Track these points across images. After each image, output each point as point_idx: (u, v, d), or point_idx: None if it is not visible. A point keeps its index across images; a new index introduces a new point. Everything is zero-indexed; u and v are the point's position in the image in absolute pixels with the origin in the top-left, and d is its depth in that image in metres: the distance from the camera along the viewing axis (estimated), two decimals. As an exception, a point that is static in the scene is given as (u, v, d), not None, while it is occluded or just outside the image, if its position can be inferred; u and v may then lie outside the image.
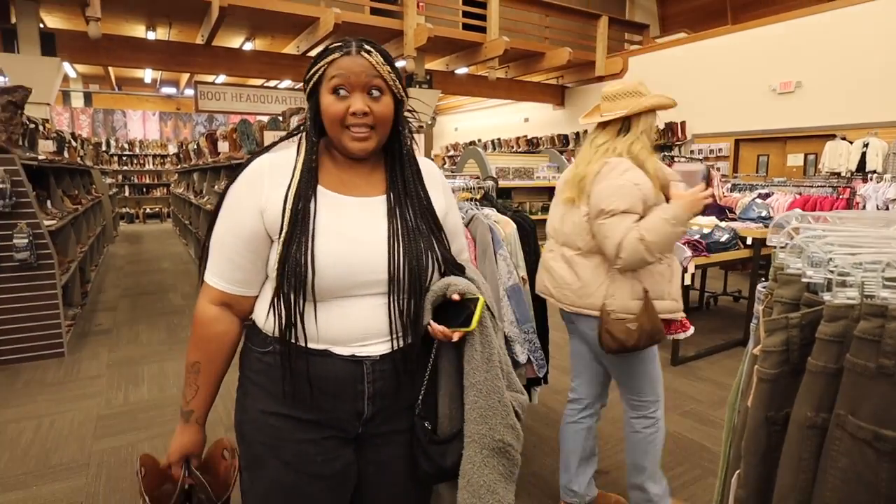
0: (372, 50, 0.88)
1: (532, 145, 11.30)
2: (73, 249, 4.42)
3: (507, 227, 1.94)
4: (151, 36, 8.00)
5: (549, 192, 6.27)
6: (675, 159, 6.60)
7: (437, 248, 0.94)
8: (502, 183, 5.50)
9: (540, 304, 2.09)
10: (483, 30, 8.56)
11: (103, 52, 7.12)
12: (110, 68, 10.59)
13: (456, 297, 0.91)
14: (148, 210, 12.63)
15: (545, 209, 6.09)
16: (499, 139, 12.36)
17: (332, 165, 0.95)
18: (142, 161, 12.65)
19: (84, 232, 5.32)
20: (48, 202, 4.07)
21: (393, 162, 0.96)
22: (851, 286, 0.64)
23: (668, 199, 1.55)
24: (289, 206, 0.87)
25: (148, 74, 11.22)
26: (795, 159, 7.31)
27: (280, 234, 0.86)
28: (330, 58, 0.88)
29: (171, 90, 13.10)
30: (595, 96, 10.05)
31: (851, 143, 5.99)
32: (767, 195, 5.45)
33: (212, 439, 1.10)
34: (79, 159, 6.16)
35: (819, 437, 0.65)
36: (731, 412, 0.93)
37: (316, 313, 0.88)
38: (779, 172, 7.18)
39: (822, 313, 0.66)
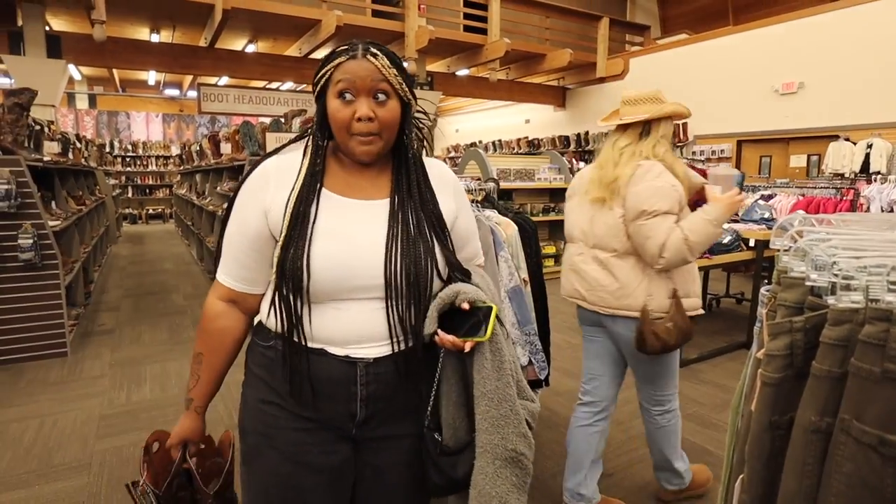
0: (378, 53, 0.88)
1: (533, 147, 11.29)
2: (77, 250, 4.44)
3: (508, 229, 1.94)
4: (155, 38, 8.03)
5: (550, 193, 6.28)
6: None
7: (438, 253, 0.92)
8: (503, 184, 5.50)
9: (541, 306, 2.09)
10: (484, 31, 8.57)
11: (108, 54, 7.15)
12: (115, 70, 10.63)
13: (465, 305, 0.88)
14: (151, 211, 12.67)
15: (546, 210, 6.09)
16: (500, 140, 12.36)
17: (339, 168, 0.95)
18: (145, 162, 12.70)
19: (88, 232, 5.34)
20: (53, 203, 4.09)
21: (399, 165, 0.95)
22: (856, 290, 0.64)
23: (694, 203, 1.61)
24: (290, 208, 0.88)
25: (152, 76, 11.26)
26: (798, 160, 7.29)
27: (280, 235, 0.88)
28: (336, 61, 0.88)
29: (174, 92, 13.15)
30: (596, 98, 10.00)
31: (855, 143, 5.97)
32: (770, 196, 5.43)
33: (214, 437, 1.14)
34: (83, 160, 6.18)
35: (823, 442, 0.65)
36: (734, 416, 0.93)
37: (311, 314, 0.89)
38: (781, 174, 7.15)
39: (827, 317, 0.66)
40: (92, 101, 12.44)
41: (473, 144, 12.71)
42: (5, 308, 3.19)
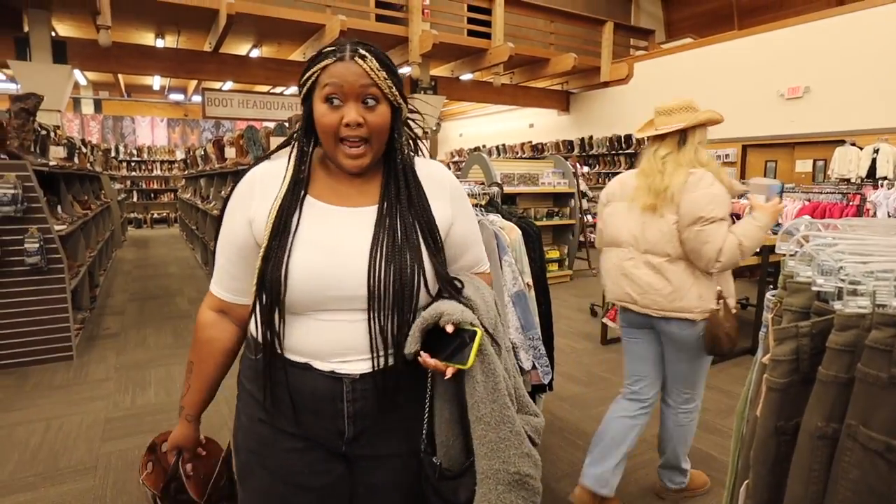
0: (367, 55, 0.83)
1: (537, 151, 11.30)
2: (83, 254, 4.46)
3: (512, 233, 1.94)
4: (160, 43, 8.10)
5: (554, 197, 6.27)
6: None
7: (426, 263, 0.87)
8: (507, 189, 5.51)
9: (545, 311, 2.09)
10: (488, 36, 8.59)
11: (113, 59, 7.21)
12: (120, 75, 10.72)
13: (449, 328, 0.82)
14: (155, 215, 12.74)
15: (550, 215, 6.08)
16: (503, 145, 12.38)
17: (325, 174, 0.91)
18: (150, 167, 12.78)
19: (93, 237, 5.37)
20: (59, 207, 4.12)
21: (389, 170, 0.90)
22: (863, 295, 0.64)
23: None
24: (272, 218, 0.85)
25: (156, 81, 11.35)
26: (804, 165, 7.26)
27: (262, 245, 0.85)
28: (323, 63, 0.84)
29: (179, 97, 13.24)
30: (600, 102, 10.01)
31: (862, 148, 5.94)
32: (775, 201, 5.39)
33: (222, 443, 1.14)
34: (89, 165, 6.23)
35: (830, 448, 0.65)
36: (739, 421, 0.93)
37: (293, 326, 0.86)
38: (787, 179, 7.12)
39: (833, 322, 0.65)
40: (97, 105, 12.54)
41: (477, 149, 12.73)
42: (12, 312, 3.21)
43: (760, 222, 1.65)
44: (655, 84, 8.96)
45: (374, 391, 0.87)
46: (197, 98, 11.95)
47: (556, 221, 6.07)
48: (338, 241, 0.85)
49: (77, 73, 8.62)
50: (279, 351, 0.86)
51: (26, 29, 6.41)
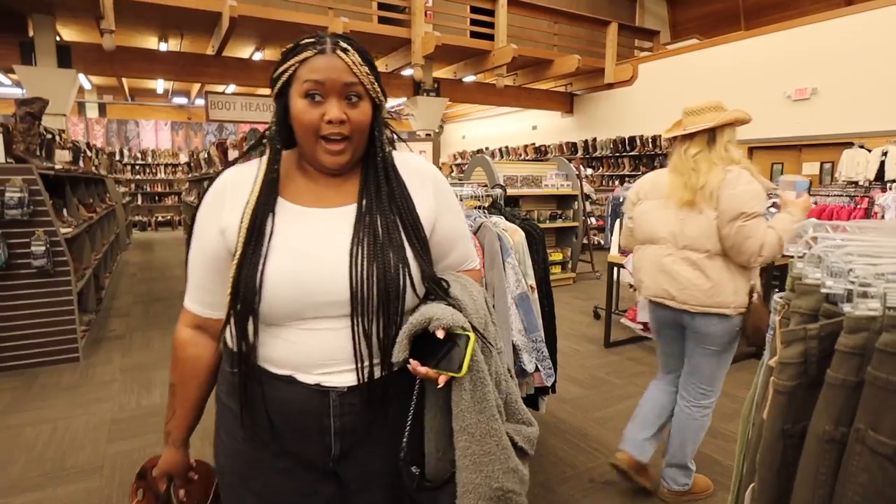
0: (349, 48, 0.80)
1: (540, 153, 11.30)
2: (88, 256, 4.49)
3: (515, 236, 1.94)
4: (164, 47, 8.15)
5: (558, 199, 6.26)
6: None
7: (411, 261, 0.82)
8: (510, 191, 5.49)
9: (548, 313, 2.08)
10: (491, 37, 8.60)
11: (117, 63, 7.26)
12: (124, 79, 10.79)
13: (440, 333, 0.78)
14: (160, 218, 12.79)
15: (553, 217, 6.07)
16: (507, 147, 12.39)
17: (300, 175, 0.86)
18: (154, 170, 12.83)
19: (98, 239, 5.39)
20: (64, 210, 4.14)
21: (368, 168, 0.86)
22: (873, 297, 0.63)
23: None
24: (245, 224, 0.79)
25: (160, 85, 11.42)
26: (811, 168, 7.21)
27: (234, 254, 0.80)
28: (302, 56, 0.79)
29: (182, 100, 13.31)
30: (604, 104, 9.99)
31: (870, 151, 5.88)
32: (781, 203, 5.36)
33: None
34: (94, 168, 6.26)
35: (838, 452, 0.64)
36: (745, 425, 0.92)
37: (266, 336, 0.81)
38: (793, 180, 7.09)
39: (842, 325, 0.65)
40: (102, 109, 12.63)
41: (480, 151, 12.74)
42: (19, 314, 3.23)
43: (795, 217, 1.70)
44: (660, 86, 8.92)
45: (362, 404, 0.82)
46: (200, 101, 11.99)
47: (559, 224, 6.06)
48: (315, 243, 0.81)
49: (81, 78, 8.68)
50: (255, 362, 0.81)
51: (31, 34, 6.46)
